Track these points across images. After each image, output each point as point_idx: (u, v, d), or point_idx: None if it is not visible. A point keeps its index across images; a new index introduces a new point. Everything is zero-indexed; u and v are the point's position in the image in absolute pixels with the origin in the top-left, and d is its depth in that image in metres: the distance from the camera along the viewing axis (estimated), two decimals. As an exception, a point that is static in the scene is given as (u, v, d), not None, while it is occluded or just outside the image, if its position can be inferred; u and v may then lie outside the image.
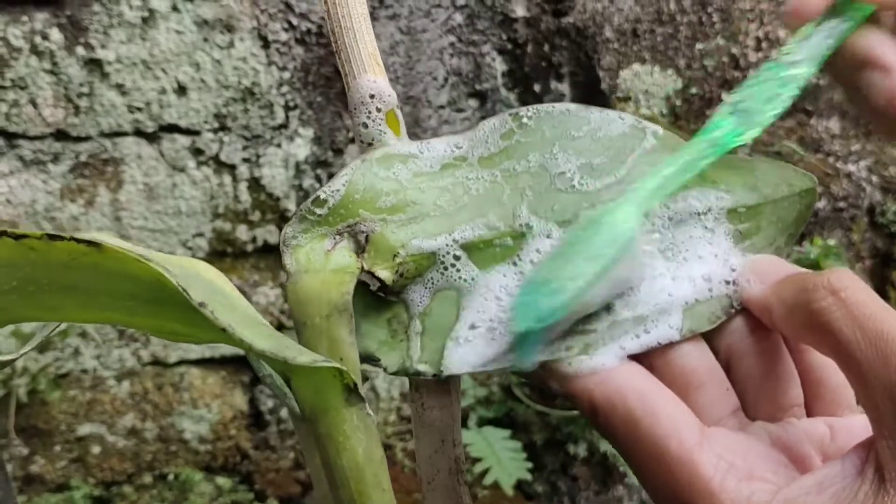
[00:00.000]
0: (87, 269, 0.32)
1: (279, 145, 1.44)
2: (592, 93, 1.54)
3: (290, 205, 1.45)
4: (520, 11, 1.50)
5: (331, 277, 0.37)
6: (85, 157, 1.36)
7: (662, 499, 0.36)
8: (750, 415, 0.40)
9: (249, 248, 1.47)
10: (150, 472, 1.55)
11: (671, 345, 0.39)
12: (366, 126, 0.41)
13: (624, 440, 0.37)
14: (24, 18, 1.28)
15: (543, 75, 1.53)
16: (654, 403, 0.36)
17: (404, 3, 1.44)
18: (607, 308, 0.38)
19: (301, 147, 1.45)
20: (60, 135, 1.34)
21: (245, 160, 1.43)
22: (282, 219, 1.46)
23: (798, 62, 0.41)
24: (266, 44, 1.39)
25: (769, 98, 0.41)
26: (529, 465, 1.54)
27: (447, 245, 0.40)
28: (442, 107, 1.51)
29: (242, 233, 1.46)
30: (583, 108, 0.42)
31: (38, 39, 1.29)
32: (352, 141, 1.46)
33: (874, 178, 1.72)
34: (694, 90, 1.58)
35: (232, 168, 1.43)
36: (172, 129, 1.39)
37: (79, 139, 1.35)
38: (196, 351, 1.50)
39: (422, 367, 0.39)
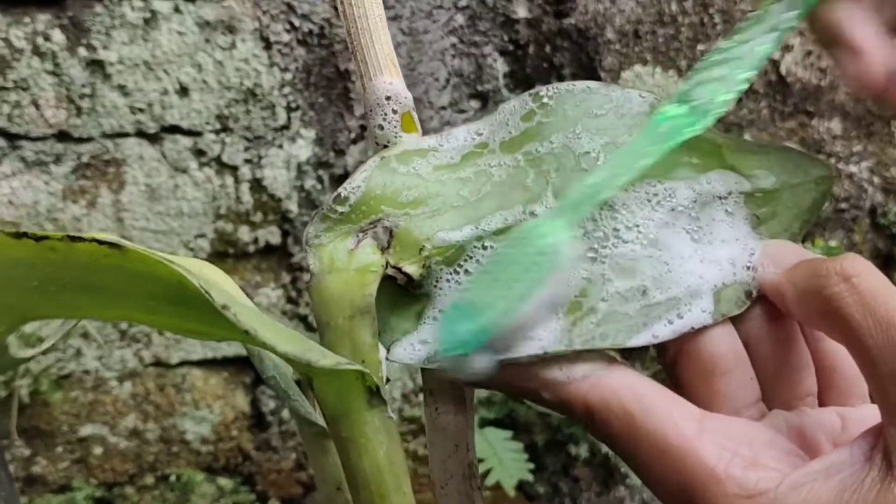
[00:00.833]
0: (109, 270, 0.32)
1: (281, 146, 1.44)
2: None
3: (292, 206, 1.45)
4: (521, 12, 1.50)
5: (354, 277, 0.37)
6: (87, 158, 1.36)
7: (668, 495, 0.36)
8: (765, 403, 0.39)
9: (251, 249, 1.47)
10: (152, 473, 1.55)
11: (703, 329, 0.38)
12: (381, 128, 0.41)
13: (623, 440, 0.36)
14: (27, 19, 1.28)
15: (545, 76, 1.53)
16: (650, 399, 0.36)
17: (406, 4, 1.44)
18: (642, 291, 0.38)
19: (303, 148, 1.45)
20: (62, 136, 1.34)
21: (247, 161, 1.43)
22: (283, 220, 1.46)
23: (751, 40, 0.40)
24: (268, 45, 1.39)
25: (720, 81, 0.40)
26: (531, 465, 1.54)
27: (474, 235, 0.39)
28: (444, 108, 1.51)
29: (244, 234, 1.46)
30: (603, 86, 0.42)
31: (40, 40, 1.29)
32: (354, 142, 1.46)
33: (876, 180, 1.72)
34: (695, 91, 1.58)
35: (234, 169, 1.43)
36: (174, 130, 1.39)
37: (81, 140, 1.35)
38: (198, 352, 1.50)
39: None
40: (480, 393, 1.64)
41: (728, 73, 0.40)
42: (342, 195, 0.39)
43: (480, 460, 1.51)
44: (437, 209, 0.40)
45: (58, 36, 1.30)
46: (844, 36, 0.40)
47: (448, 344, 0.35)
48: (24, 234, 0.30)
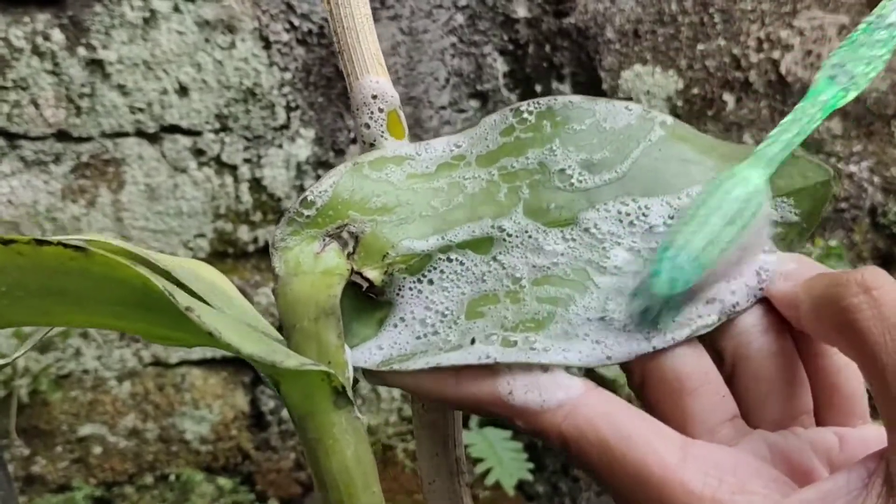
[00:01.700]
0: (76, 274, 0.32)
1: (280, 146, 1.44)
2: (594, 94, 1.54)
3: (292, 205, 1.45)
4: (521, 12, 1.50)
5: (320, 280, 0.37)
6: (86, 158, 1.36)
7: None
8: (753, 422, 0.38)
9: (251, 248, 1.47)
10: (152, 473, 1.55)
11: (665, 349, 0.37)
12: (368, 126, 0.41)
13: (602, 470, 0.35)
14: (26, 19, 1.28)
15: (545, 76, 1.53)
16: (628, 427, 0.34)
17: (406, 4, 1.44)
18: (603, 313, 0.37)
19: (302, 148, 1.45)
20: (62, 135, 1.34)
21: (246, 161, 1.43)
22: (283, 219, 1.46)
23: (892, 22, 0.40)
24: (267, 44, 1.39)
25: (866, 59, 0.40)
26: (531, 465, 1.54)
27: (439, 246, 0.39)
28: (443, 107, 1.51)
29: (244, 233, 1.46)
30: (587, 100, 0.41)
31: (39, 40, 1.29)
32: (353, 141, 1.46)
33: (876, 179, 1.72)
34: (695, 91, 1.58)
35: (233, 169, 1.43)
36: (174, 129, 1.39)
37: (80, 140, 1.35)
38: (197, 352, 1.50)
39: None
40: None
41: (870, 53, 0.40)
42: (309, 199, 0.39)
43: (480, 460, 1.51)
44: (406, 217, 0.39)
45: (57, 35, 1.30)
46: None
47: (667, 285, 0.35)
48: (-9, 239, 0.30)
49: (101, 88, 1.33)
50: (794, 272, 0.37)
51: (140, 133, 1.37)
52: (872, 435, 0.37)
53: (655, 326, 0.37)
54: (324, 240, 0.39)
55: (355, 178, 0.40)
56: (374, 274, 0.39)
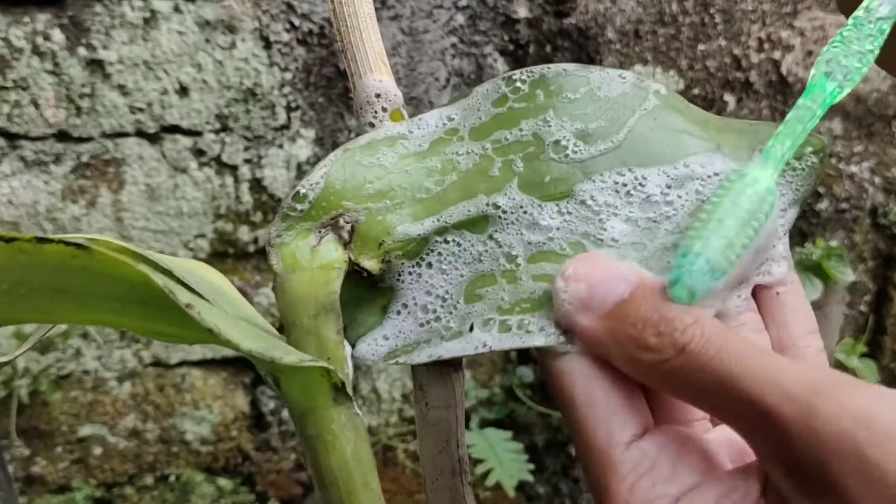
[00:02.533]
0: (77, 272, 0.31)
1: (281, 146, 1.44)
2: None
3: (292, 206, 1.45)
4: (522, 12, 1.50)
5: (318, 275, 0.37)
6: (86, 158, 1.36)
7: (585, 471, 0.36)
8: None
9: (251, 248, 1.47)
10: (152, 474, 1.55)
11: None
12: (372, 125, 0.40)
13: (563, 416, 0.36)
14: (26, 19, 1.28)
15: (545, 76, 1.53)
16: (598, 395, 0.35)
17: (406, 4, 1.44)
18: None
19: (303, 148, 1.45)
20: (62, 135, 1.34)
21: (247, 161, 1.43)
22: (283, 220, 1.46)
23: (881, 16, 0.40)
24: (268, 44, 1.39)
25: (858, 54, 0.40)
26: (531, 466, 1.54)
27: (435, 228, 0.39)
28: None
29: (244, 234, 1.46)
30: (581, 68, 0.40)
31: (39, 40, 1.29)
32: (353, 142, 1.46)
33: (877, 180, 1.72)
34: (696, 91, 1.58)
35: (233, 169, 1.43)
36: (174, 129, 1.39)
37: (80, 140, 1.35)
38: (197, 352, 1.50)
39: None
40: (481, 393, 1.64)
41: (861, 48, 0.40)
42: (301, 192, 0.38)
43: (481, 461, 1.51)
44: (400, 202, 0.39)
45: (57, 35, 1.30)
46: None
47: (679, 291, 0.35)
48: (-7, 237, 0.30)
49: (102, 88, 1.33)
50: (579, 274, 0.36)
51: (140, 133, 1.37)
52: None
53: None
54: (319, 232, 0.38)
55: (347, 166, 0.39)
56: (371, 263, 0.38)
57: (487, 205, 0.39)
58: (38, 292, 0.33)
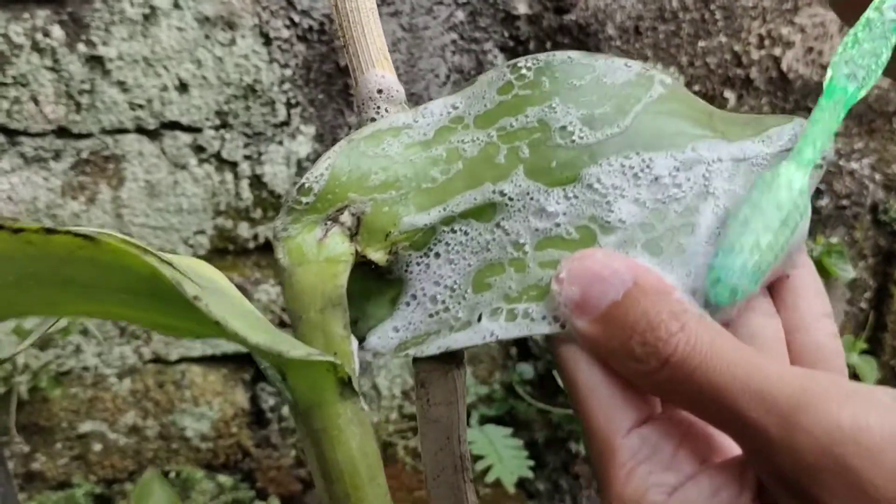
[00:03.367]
0: (84, 263, 0.31)
1: (281, 143, 1.44)
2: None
3: (292, 202, 1.45)
4: (522, 9, 1.50)
5: (325, 269, 0.37)
6: (86, 155, 1.36)
7: (588, 448, 0.36)
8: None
9: (251, 245, 1.47)
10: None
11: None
12: (374, 121, 0.40)
13: (569, 396, 0.36)
14: (26, 15, 1.28)
15: (545, 73, 1.52)
16: (599, 380, 0.35)
17: (406, 1, 1.44)
18: None
19: (303, 144, 1.45)
20: (62, 132, 1.34)
21: (247, 157, 1.43)
22: (283, 216, 1.46)
23: (892, 18, 0.40)
24: (268, 41, 1.39)
25: (872, 54, 0.40)
26: (531, 462, 1.54)
27: (442, 217, 0.39)
28: (444, 104, 1.51)
29: (244, 230, 1.46)
30: (586, 56, 0.40)
31: (39, 36, 1.29)
32: (353, 138, 1.46)
33: (877, 176, 1.72)
34: (696, 88, 1.58)
35: (233, 165, 1.43)
36: (174, 126, 1.39)
37: (80, 136, 1.35)
38: (197, 348, 1.50)
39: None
40: (481, 390, 1.64)
41: (877, 47, 0.40)
42: (306, 185, 0.38)
43: (481, 457, 1.51)
44: (406, 192, 0.39)
45: (57, 32, 1.30)
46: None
47: (719, 290, 0.35)
48: (1, 227, 0.30)
49: (101, 85, 1.33)
50: (573, 277, 0.35)
51: (140, 130, 1.37)
52: None
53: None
54: (325, 225, 0.38)
55: (352, 157, 0.39)
56: (378, 255, 0.38)
57: (494, 192, 0.39)
58: (44, 283, 0.33)
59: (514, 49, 1.52)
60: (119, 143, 1.36)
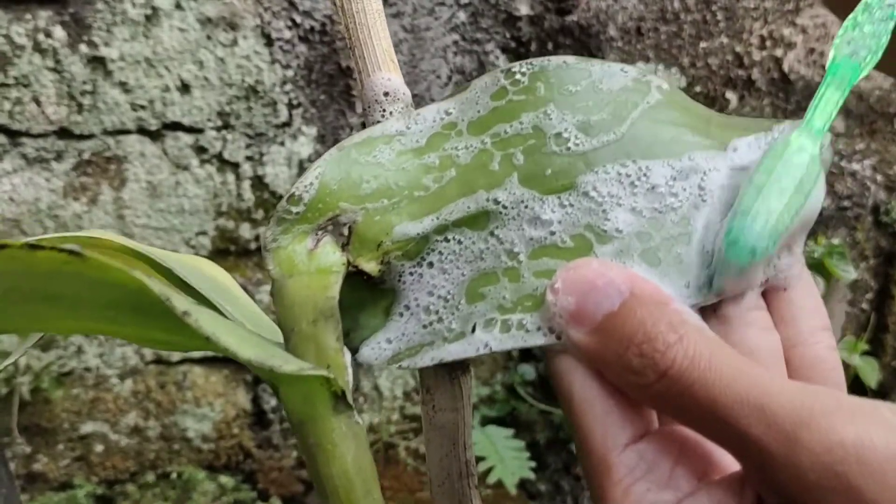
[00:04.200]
0: (70, 278, 0.31)
1: (282, 143, 1.44)
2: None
3: (294, 203, 1.45)
4: (524, 10, 1.49)
5: (316, 280, 0.36)
6: (88, 155, 1.36)
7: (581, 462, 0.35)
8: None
9: (252, 246, 1.47)
10: (153, 471, 1.55)
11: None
12: (378, 124, 0.40)
13: (563, 412, 0.35)
14: (28, 16, 1.28)
15: (547, 73, 1.52)
16: (593, 395, 0.34)
17: (408, 1, 1.44)
18: None
19: (304, 145, 1.45)
20: (63, 133, 1.34)
21: (248, 158, 1.43)
22: (285, 217, 1.46)
23: (890, 2, 0.41)
24: (269, 42, 1.39)
25: (873, 36, 0.40)
26: (533, 464, 1.54)
27: (435, 226, 0.38)
28: (445, 105, 1.50)
29: (245, 231, 1.46)
30: (582, 61, 0.39)
31: (41, 37, 1.29)
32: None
33: (878, 177, 1.72)
34: (698, 88, 1.58)
35: (235, 166, 1.43)
36: (176, 127, 1.39)
37: (82, 137, 1.35)
38: (199, 349, 1.50)
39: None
40: (482, 391, 1.64)
41: (879, 27, 0.41)
42: (296, 195, 0.37)
43: (482, 458, 1.51)
44: (398, 201, 0.38)
45: (59, 33, 1.30)
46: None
47: (737, 251, 0.35)
48: (-18, 244, 0.30)
49: (103, 86, 1.33)
50: (568, 287, 0.35)
51: (142, 130, 1.37)
52: None
53: (710, 289, 0.36)
54: (316, 234, 0.38)
55: (342, 165, 0.38)
56: (370, 266, 0.38)
57: (488, 200, 0.38)
58: (30, 299, 0.33)
59: (516, 50, 1.52)
60: (121, 144, 1.36)
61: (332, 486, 0.35)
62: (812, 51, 1.59)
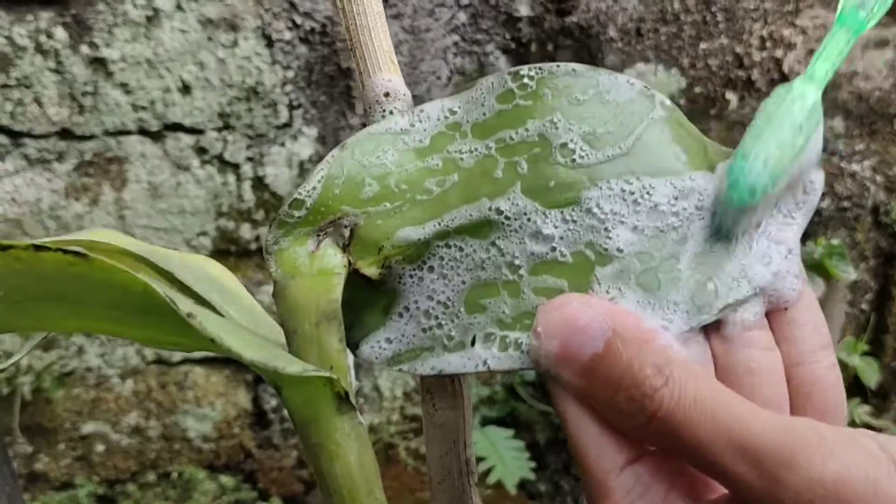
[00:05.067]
0: (75, 280, 0.31)
1: (283, 144, 1.44)
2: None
3: (294, 204, 1.45)
4: (524, 11, 1.50)
5: (318, 282, 0.36)
6: (89, 156, 1.36)
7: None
8: None
9: (253, 247, 1.47)
10: (154, 471, 1.55)
11: None
12: (383, 120, 0.40)
13: (564, 428, 0.35)
14: (29, 17, 1.28)
15: (547, 74, 1.52)
16: (588, 420, 0.34)
17: (408, 2, 1.44)
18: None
19: (305, 146, 1.45)
20: (65, 133, 1.34)
21: (249, 159, 1.43)
22: (285, 218, 1.46)
23: None
24: (270, 43, 1.39)
25: None
26: (533, 464, 1.54)
27: (436, 232, 0.38)
28: (446, 106, 1.50)
29: (246, 232, 1.46)
30: (590, 69, 0.38)
31: (42, 38, 1.29)
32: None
33: (878, 178, 1.72)
34: (698, 89, 1.58)
35: (236, 167, 1.43)
36: (177, 127, 1.39)
37: (83, 138, 1.35)
38: (200, 349, 1.50)
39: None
40: (482, 391, 1.64)
41: None
42: (298, 199, 0.37)
43: (482, 459, 1.51)
44: (400, 205, 0.38)
45: (60, 34, 1.30)
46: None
47: (739, 190, 0.36)
48: (-12, 245, 0.30)
49: (104, 87, 1.33)
50: (550, 331, 0.34)
51: (143, 131, 1.37)
52: None
53: (728, 240, 0.37)
54: (317, 236, 0.37)
55: (345, 166, 0.38)
56: (371, 270, 0.38)
57: (490, 210, 0.38)
58: (34, 300, 0.33)
59: (516, 51, 1.52)
60: (122, 145, 1.37)
61: (335, 485, 0.35)
62: (812, 52, 1.59)
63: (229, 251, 1.47)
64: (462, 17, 1.48)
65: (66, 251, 0.30)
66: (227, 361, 1.53)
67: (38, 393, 1.43)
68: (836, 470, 0.29)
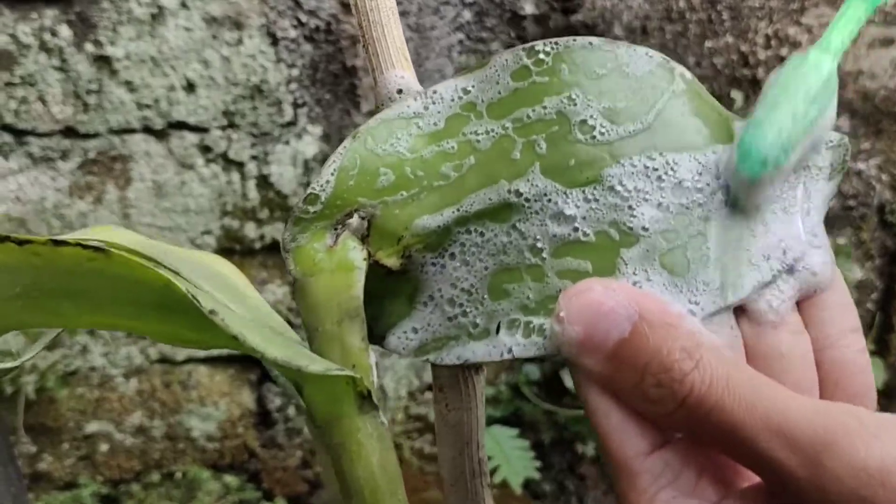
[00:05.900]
0: (93, 275, 0.31)
1: (287, 143, 1.43)
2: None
3: (299, 202, 1.45)
4: (529, 9, 1.49)
5: (338, 279, 0.35)
6: (93, 155, 1.35)
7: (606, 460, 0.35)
8: None
9: (257, 245, 1.47)
10: (158, 471, 1.55)
11: None
12: (395, 105, 0.39)
13: (587, 417, 0.35)
14: (34, 15, 1.28)
15: (553, 73, 1.52)
16: (614, 407, 0.33)
17: (413, 1, 1.43)
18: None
19: (309, 144, 1.45)
20: (69, 132, 1.34)
21: (253, 158, 1.42)
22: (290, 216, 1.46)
23: None
24: (275, 41, 1.39)
25: None
26: (537, 464, 1.54)
27: (455, 218, 0.37)
28: (451, 104, 1.50)
29: (251, 230, 1.46)
30: (608, 42, 0.37)
31: (47, 36, 1.29)
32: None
33: (884, 177, 1.72)
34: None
35: (240, 165, 1.42)
36: (181, 126, 1.38)
37: (87, 136, 1.35)
38: (204, 349, 1.50)
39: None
40: (487, 391, 1.64)
41: None
42: (312, 194, 0.37)
43: (487, 458, 1.50)
44: (417, 192, 0.37)
45: (65, 32, 1.29)
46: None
47: (751, 161, 0.36)
48: (7, 238, 0.29)
49: (109, 85, 1.33)
50: (573, 316, 0.33)
51: (147, 130, 1.37)
52: None
53: (746, 215, 0.37)
54: (335, 230, 0.37)
55: (358, 156, 0.37)
56: (391, 261, 0.37)
57: (510, 192, 0.37)
58: (52, 295, 0.33)
59: (522, 49, 1.51)
60: (126, 143, 1.36)
61: (357, 486, 0.34)
62: (818, 50, 1.59)
63: (234, 250, 1.46)
64: (467, 14, 1.47)
65: (85, 246, 0.29)
66: (231, 361, 1.52)
67: (42, 392, 1.42)
68: (881, 455, 0.28)
